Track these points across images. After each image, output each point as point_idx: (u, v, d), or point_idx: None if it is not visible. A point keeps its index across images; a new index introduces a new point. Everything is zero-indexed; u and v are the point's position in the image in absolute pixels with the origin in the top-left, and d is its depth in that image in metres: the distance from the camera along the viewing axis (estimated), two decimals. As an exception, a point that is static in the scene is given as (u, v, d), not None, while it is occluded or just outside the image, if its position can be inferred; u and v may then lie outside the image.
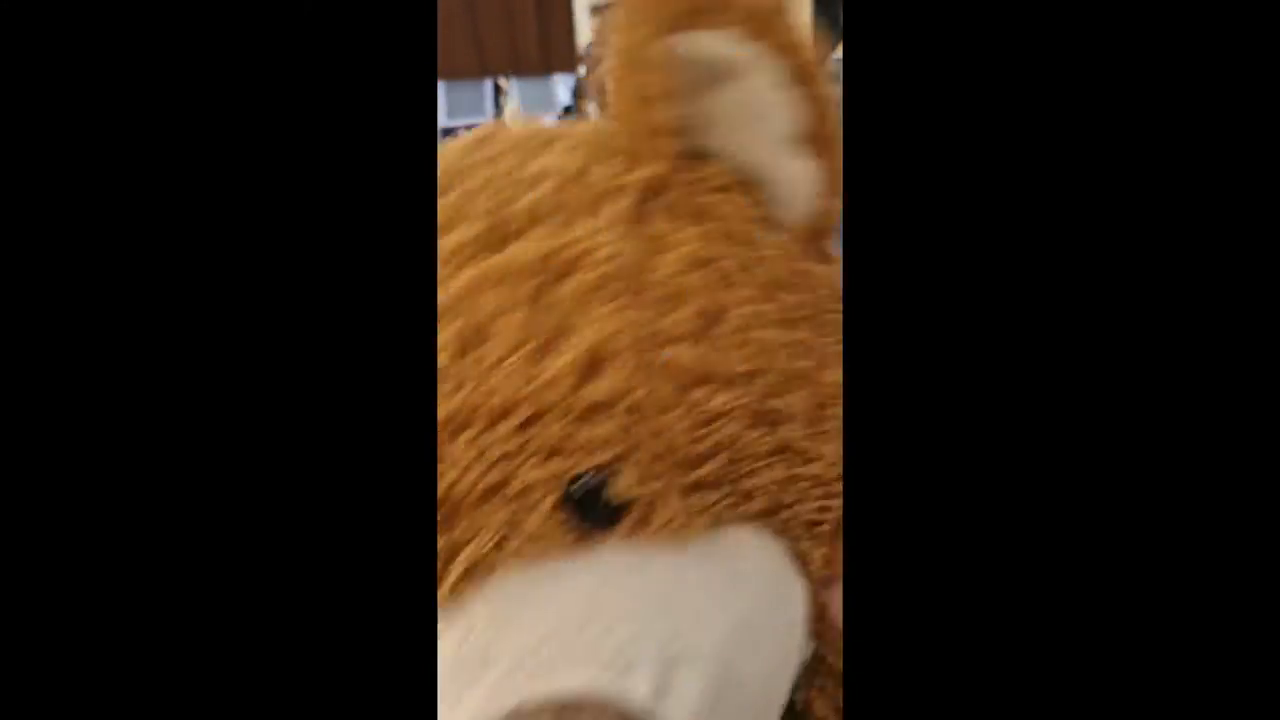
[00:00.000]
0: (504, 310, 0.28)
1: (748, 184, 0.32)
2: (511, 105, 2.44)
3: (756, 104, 0.31)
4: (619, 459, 0.27)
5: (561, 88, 2.49)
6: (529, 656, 0.25)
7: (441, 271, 0.29)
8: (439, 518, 0.27)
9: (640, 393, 0.27)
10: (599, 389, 0.27)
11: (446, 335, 0.27)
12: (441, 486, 0.27)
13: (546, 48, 2.38)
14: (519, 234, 0.29)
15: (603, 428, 0.27)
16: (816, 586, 0.32)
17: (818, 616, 0.32)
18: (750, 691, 0.28)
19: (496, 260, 0.28)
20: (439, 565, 0.27)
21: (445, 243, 0.29)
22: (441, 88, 2.20)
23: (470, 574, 0.27)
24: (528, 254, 0.28)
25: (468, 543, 0.27)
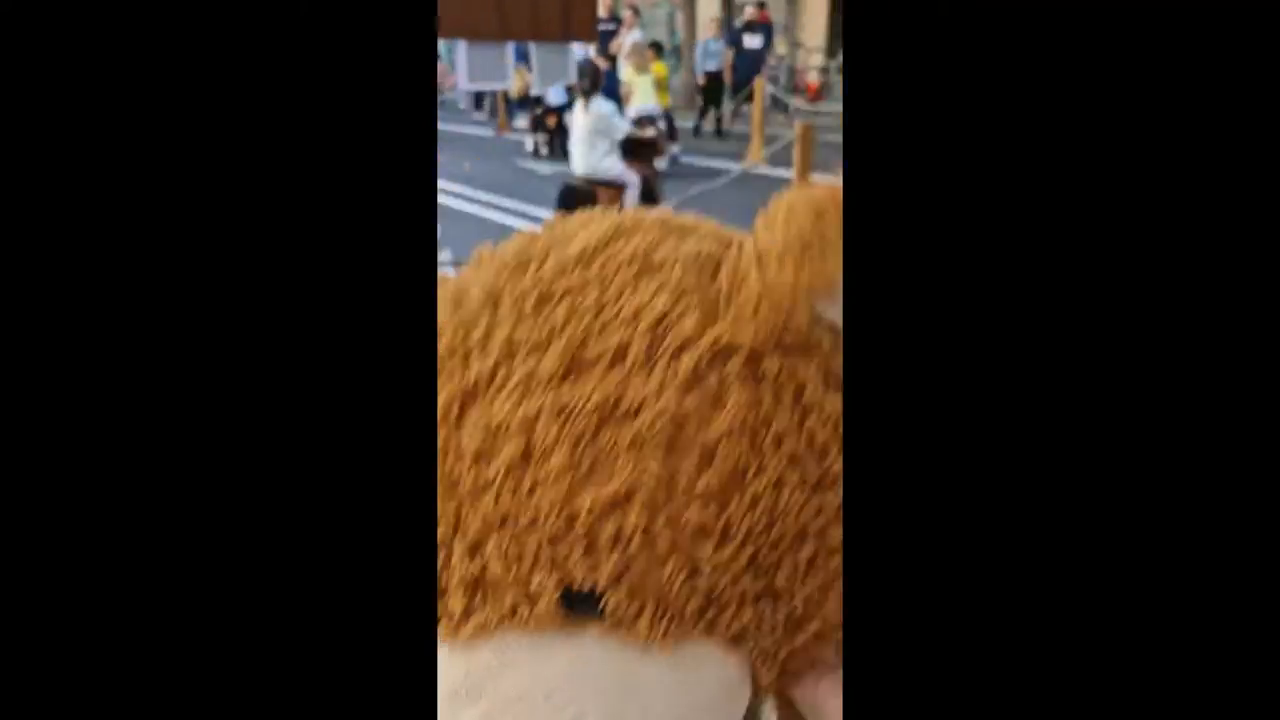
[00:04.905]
0: (556, 441, 0.33)
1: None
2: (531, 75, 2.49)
3: None
4: (616, 580, 0.33)
5: (573, 60, 2.52)
6: (507, 705, 0.33)
7: (518, 393, 0.34)
8: (471, 586, 0.34)
9: (649, 537, 0.33)
10: (613, 526, 0.33)
11: (507, 451, 0.33)
12: (474, 568, 0.34)
13: (567, 15, 2.44)
14: (588, 371, 0.34)
15: (609, 559, 0.33)
16: (802, 683, 0.38)
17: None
18: None
19: (563, 395, 0.33)
20: (460, 616, 0.35)
21: (527, 365, 0.34)
22: (463, 50, 2.26)
23: (481, 630, 0.34)
24: (591, 397, 0.33)
25: (484, 608, 0.34)
